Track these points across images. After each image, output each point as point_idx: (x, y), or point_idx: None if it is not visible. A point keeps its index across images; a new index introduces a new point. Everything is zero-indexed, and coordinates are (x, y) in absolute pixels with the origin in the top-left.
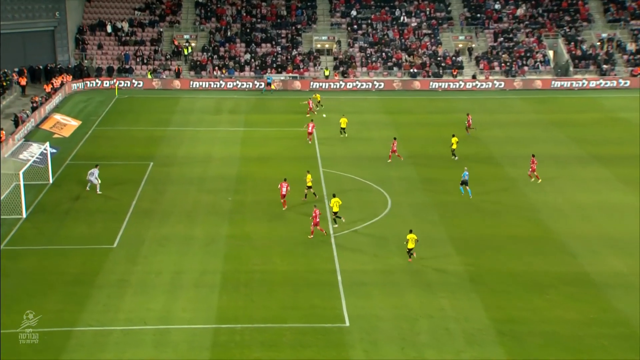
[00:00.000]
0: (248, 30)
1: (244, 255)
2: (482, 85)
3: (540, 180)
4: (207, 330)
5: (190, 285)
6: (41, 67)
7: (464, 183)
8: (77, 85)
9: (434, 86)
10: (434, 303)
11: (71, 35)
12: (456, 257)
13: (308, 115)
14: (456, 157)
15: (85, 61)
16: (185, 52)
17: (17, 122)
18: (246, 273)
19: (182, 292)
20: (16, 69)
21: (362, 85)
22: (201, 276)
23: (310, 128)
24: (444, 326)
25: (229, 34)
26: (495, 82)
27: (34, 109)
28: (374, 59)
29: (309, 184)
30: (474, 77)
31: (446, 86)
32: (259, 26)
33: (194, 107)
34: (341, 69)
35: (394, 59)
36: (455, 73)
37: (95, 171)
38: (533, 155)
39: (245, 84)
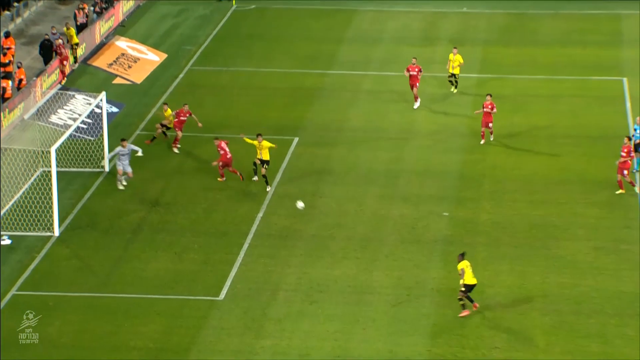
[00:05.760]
0: None
1: (473, 327)
2: None
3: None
4: None
5: None
6: None
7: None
8: None
9: None
10: None
11: None
12: None
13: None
14: None
15: None
16: None
17: (47, 53)
18: None
19: None
20: None
21: None
22: None
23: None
24: None
25: None
26: None
27: (79, 29)
28: None
29: (169, 124)
30: None
31: None
32: None
33: (381, 29)
34: None
35: None
36: None
37: (128, 148)
38: (629, 138)
39: None
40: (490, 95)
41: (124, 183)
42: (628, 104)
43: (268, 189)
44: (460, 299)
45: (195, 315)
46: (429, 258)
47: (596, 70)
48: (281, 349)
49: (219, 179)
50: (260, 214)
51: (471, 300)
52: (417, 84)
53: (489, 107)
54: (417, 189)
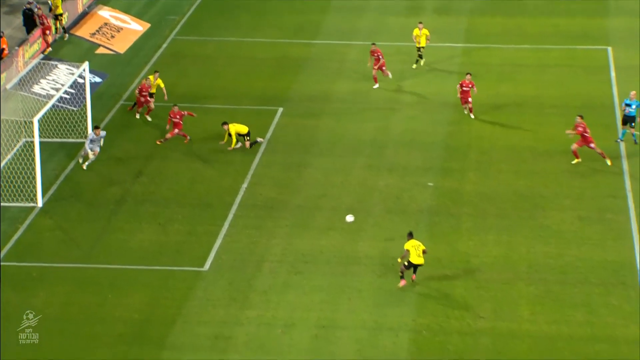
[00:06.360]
0: None
1: (458, 297)
2: None
3: (609, 162)
4: None
5: (351, 355)
6: None
7: (628, 122)
8: None
9: None
10: None
11: None
12: None
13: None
14: None
15: None
16: None
17: (30, 22)
18: (461, 335)
19: None
20: None
21: None
22: (372, 337)
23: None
24: None
25: None
26: None
27: None
28: None
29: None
30: None
31: None
32: None
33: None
34: None
35: None
36: None
37: (101, 135)
38: (580, 116)
39: None
40: (470, 74)
41: (84, 167)
42: (613, 73)
43: (259, 139)
44: (402, 272)
45: (180, 287)
46: (415, 228)
47: (582, 40)
48: (266, 319)
49: (175, 139)
50: (245, 185)
51: (402, 274)
52: (384, 67)
53: (469, 85)
54: (403, 160)
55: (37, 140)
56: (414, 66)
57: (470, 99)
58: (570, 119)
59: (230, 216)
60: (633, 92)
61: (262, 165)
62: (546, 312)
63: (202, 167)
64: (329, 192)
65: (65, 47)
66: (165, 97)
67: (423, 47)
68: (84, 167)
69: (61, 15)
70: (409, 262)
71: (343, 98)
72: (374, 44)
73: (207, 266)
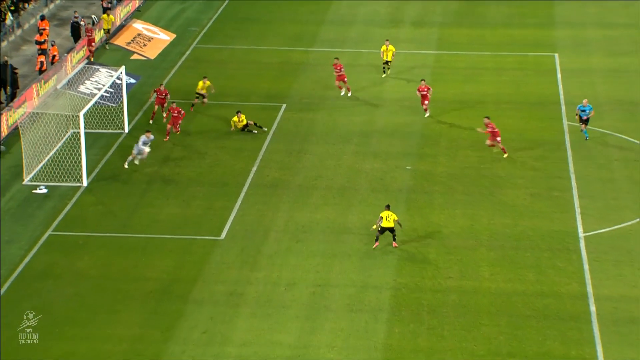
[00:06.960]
0: None
1: (431, 261)
2: None
3: (506, 155)
4: None
5: (342, 308)
6: None
7: (584, 122)
8: None
9: None
10: None
11: None
12: None
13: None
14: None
15: None
16: None
17: (76, 33)
18: (433, 292)
19: (328, 319)
20: None
21: None
22: (359, 293)
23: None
24: None
25: None
26: None
27: (105, 11)
28: None
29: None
30: None
31: None
32: None
33: (356, 14)
34: None
35: None
36: None
37: (150, 138)
38: (487, 117)
39: None
40: (424, 80)
41: (136, 162)
42: (559, 75)
43: (265, 129)
44: (377, 236)
45: (200, 252)
46: (395, 204)
47: (533, 48)
48: (272, 279)
49: (165, 139)
50: (255, 168)
51: (376, 239)
52: (345, 79)
53: (424, 90)
54: (385, 147)
55: (82, 131)
56: (383, 75)
57: (427, 101)
58: (523, 113)
59: (242, 194)
60: (585, 100)
61: (269, 151)
62: (503, 273)
63: (219, 153)
64: (324, 173)
65: (106, 54)
66: (213, 91)
67: (390, 61)
68: (126, 166)
69: (108, 31)
70: (381, 227)
71: (335, 96)
72: (336, 58)
73: (223, 235)
